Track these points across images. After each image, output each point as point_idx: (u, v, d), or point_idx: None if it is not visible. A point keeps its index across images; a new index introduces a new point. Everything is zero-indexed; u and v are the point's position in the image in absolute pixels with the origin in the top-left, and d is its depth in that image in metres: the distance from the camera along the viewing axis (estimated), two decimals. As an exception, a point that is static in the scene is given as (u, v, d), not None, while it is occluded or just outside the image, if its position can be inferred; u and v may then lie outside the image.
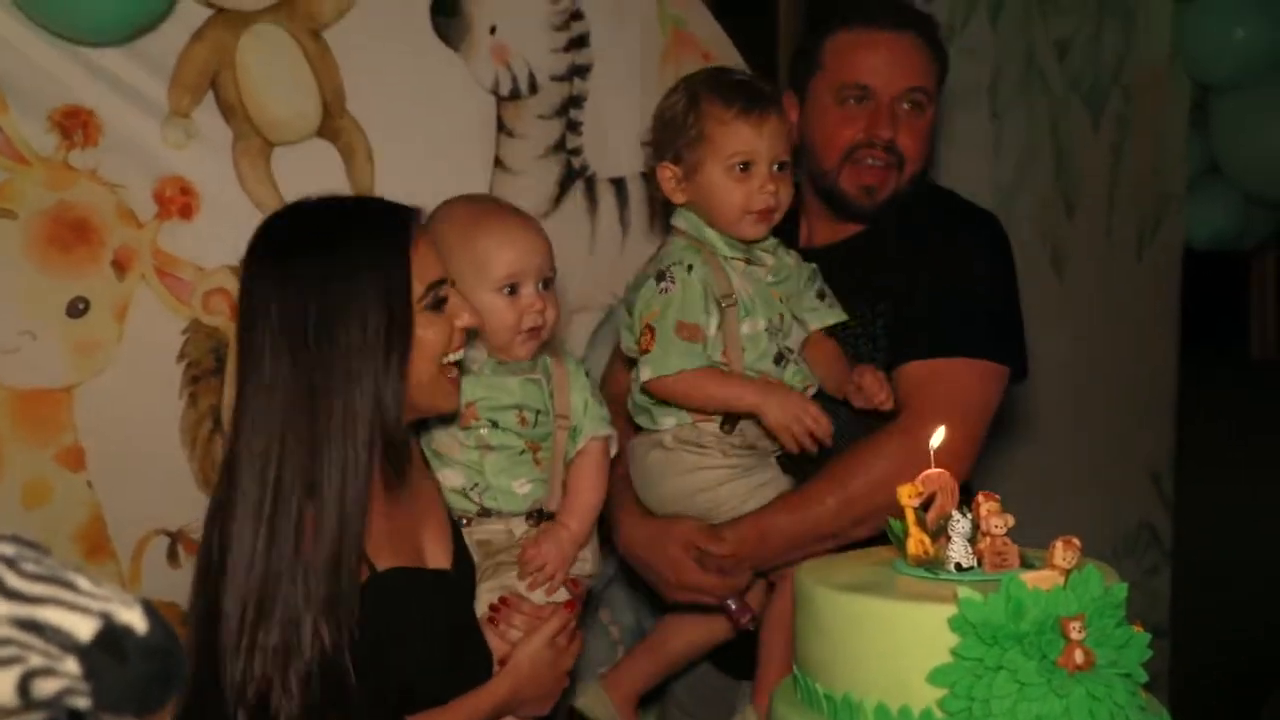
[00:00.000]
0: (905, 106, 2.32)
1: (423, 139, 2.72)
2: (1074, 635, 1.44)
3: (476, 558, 2.05)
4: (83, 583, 0.89)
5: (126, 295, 2.34)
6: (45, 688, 0.87)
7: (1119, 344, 3.85)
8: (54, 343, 2.31)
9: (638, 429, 2.38)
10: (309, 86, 2.57)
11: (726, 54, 3.11)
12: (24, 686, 0.87)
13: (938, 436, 1.76)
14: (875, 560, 1.69)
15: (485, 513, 2.08)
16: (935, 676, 1.47)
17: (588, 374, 2.24)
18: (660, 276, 2.21)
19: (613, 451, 2.21)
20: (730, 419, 2.26)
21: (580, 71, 2.89)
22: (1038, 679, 1.44)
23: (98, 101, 2.36)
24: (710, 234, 2.23)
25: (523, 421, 2.08)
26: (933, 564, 1.59)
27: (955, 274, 2.29)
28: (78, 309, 2.26)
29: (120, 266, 2.33)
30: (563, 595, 2.07)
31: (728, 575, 2.28)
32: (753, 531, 2.27)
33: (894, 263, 2.33)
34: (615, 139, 2.90)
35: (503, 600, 2.03)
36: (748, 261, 2.25)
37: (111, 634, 0.87)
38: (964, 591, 1.46)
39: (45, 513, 2.20)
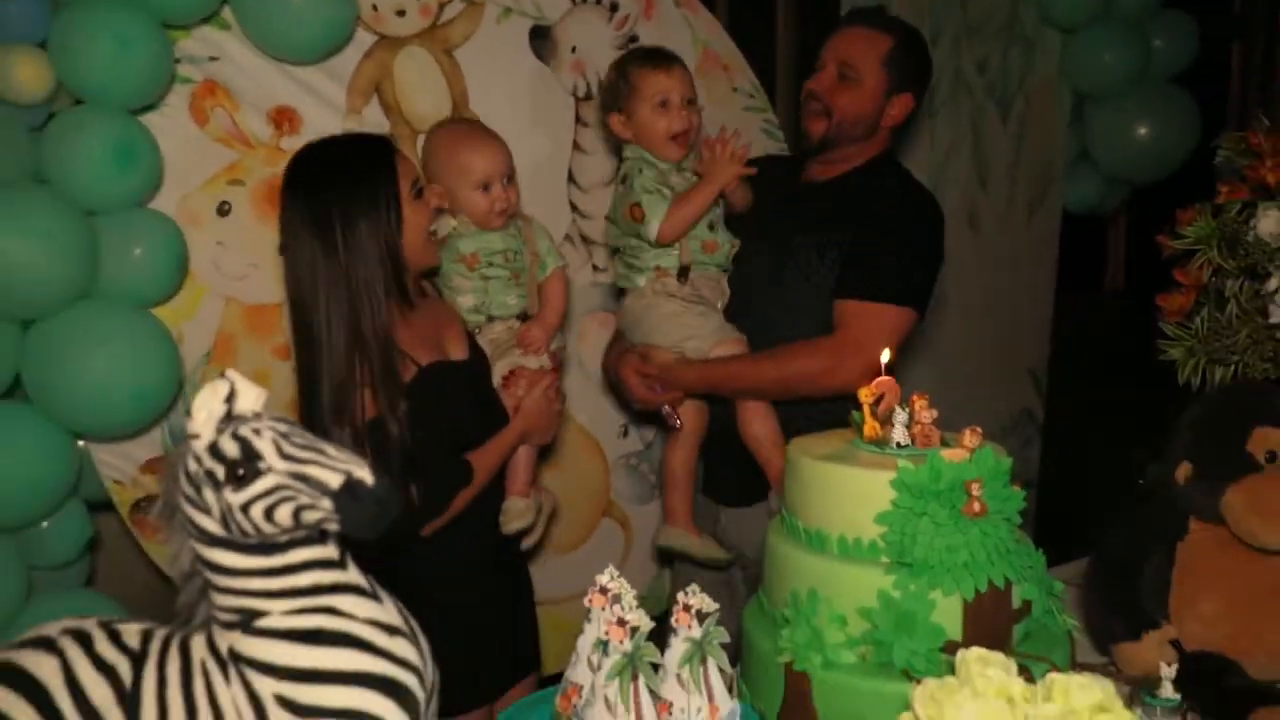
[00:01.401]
0: (835, 74, 2.25)
1: (523, 128, 2.70)
2: (974, 493, 1.45)
3: (488, 350, 2.09)
4: (331, 449, 0.99)
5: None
6: (309, 517, 0.98)
7: (1014, 279, 3.83)
8: (269, 272, 2.36)
9: (620, 293, 2.40)
10: (442, 90, 2.61)
11: (739, 66, 3.07)
12: (296, 515, 0.97)
13: (885, 355, 1.74)
14: (841, 439, 1.66)
15: (491, 319, 2.12)
16: (880, 519, 1.48)
17: (545, 229, 2.25)
18: (624, 179, 2.24)
19: (567, 276, 2.25)
20: (684, 272, 2.26)
21: None
22: (949, 522, 1.44)
23: (299, 102, 2.42)
24: (649, 157, 2.23)
25: (506, 260, 2.11)
26: (881, 442, 1.58)
27: (895, 235, 2.23)
28: (284, 249, 2.31)
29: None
30: (548, 362, 2.13)
31: (661, 391, 2.30)
32: (682, 368, 2.27)
33: (855, 212, 2.25)
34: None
35: (511, 372, 2.09)
36: (678, 170, 2.25)
37: (351, 485, 0.96)
38: (902, 462, 1.48)
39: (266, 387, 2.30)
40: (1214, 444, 1.69)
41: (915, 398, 1.59)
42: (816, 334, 2.21)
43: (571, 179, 2.86)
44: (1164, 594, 1.69)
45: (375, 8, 2.47)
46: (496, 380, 2.09)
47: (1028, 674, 1.23)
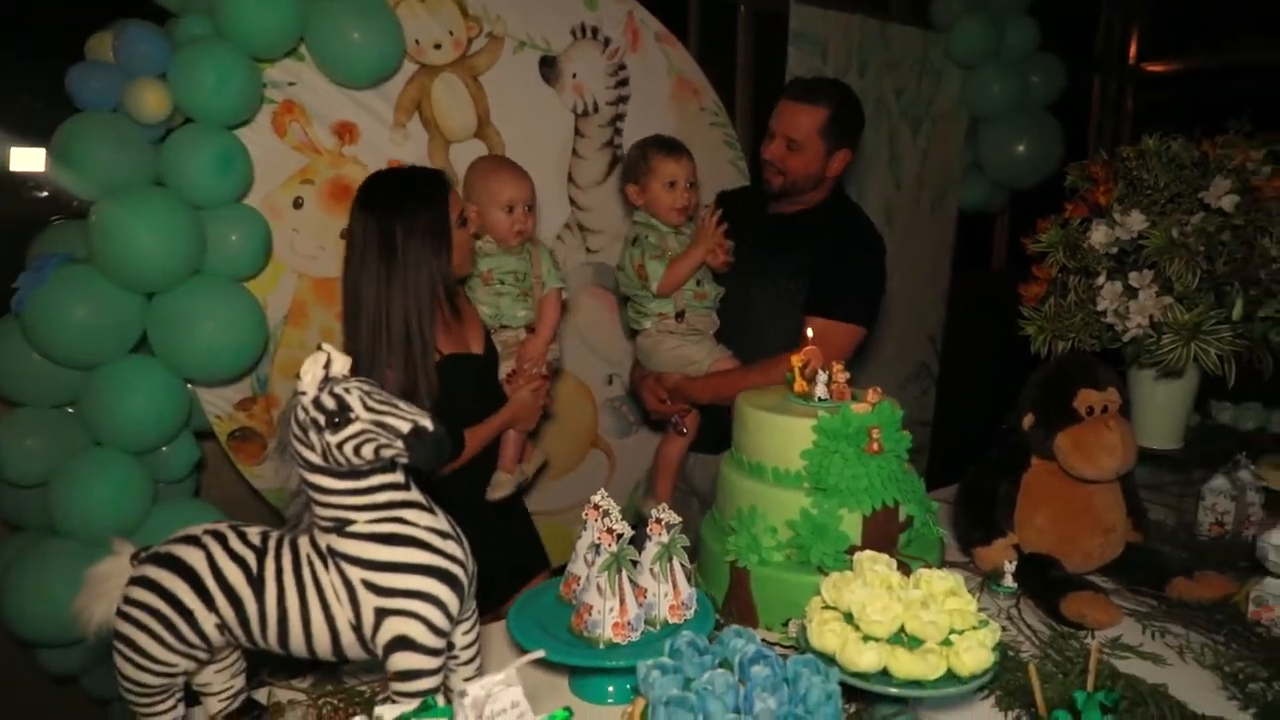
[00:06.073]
0: (784, 145, 2.23)
1: (532, 138, 2.73)
2: (874, 436, 1.50)
3: (499, 349, 2.07)
4: (402, 404, 1.04)
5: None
6: (386, 453, 1.03)
7: (921, 261, 3.87)
8: (334, 253, 2.38)
9: (634, 334, 2.37)
10: (470, 108, 2.62)
11: (706, 89, 3.08)
12: (377, 452, 1.03)
13: (810, 333, 1.80)
14: (777, 394, 1.68)
15: (504, 327, 2.09)
16: (805, 454, 1.52)
17: (551, 253, 2.19)
18: (634, 241, 2.24)
19: (564, 296, 2.18)
20: (680, 315, 2.25)
21: (623, 100, 2.90)
22: (854, 457, 1.49)
23: (357, 118, 2.43)
24: (654, 222, 2.24)
25: (516, 279, 2.08)
26: (806, 396, 1.61)
27: (852, 265, 2.22)
28: (343, 234, 2.27)
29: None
30: (544, 370, 2.11)
31: (671, 403, 2.33)
32: (688, 384, 2.27)
33: (818, 243, 2.24)
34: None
35: (513, 371, 2.08)
36: (677, 233, 2.25)
37: (418, 430, 1.02)
38: (821, 412, 1.52)
39: (334, 344, 2.30)
40: (1051, 400, 1.74)
41: (833, 363, 1.64)
42: (787, 341, 2.14)
43: (571, 179, 2.88)
44: (1010, 511, 1.77)
45: (418, 42, 2.48)
46: (502, 375, 2.09)
47: (907, 569, 1.31)
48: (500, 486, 2.08)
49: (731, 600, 1.56)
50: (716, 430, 2.31)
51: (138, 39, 2.02)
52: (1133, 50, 4.48)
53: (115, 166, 2.02)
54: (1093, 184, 2.01)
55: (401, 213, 1.76)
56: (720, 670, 1.08)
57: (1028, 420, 1.78)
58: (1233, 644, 1.55)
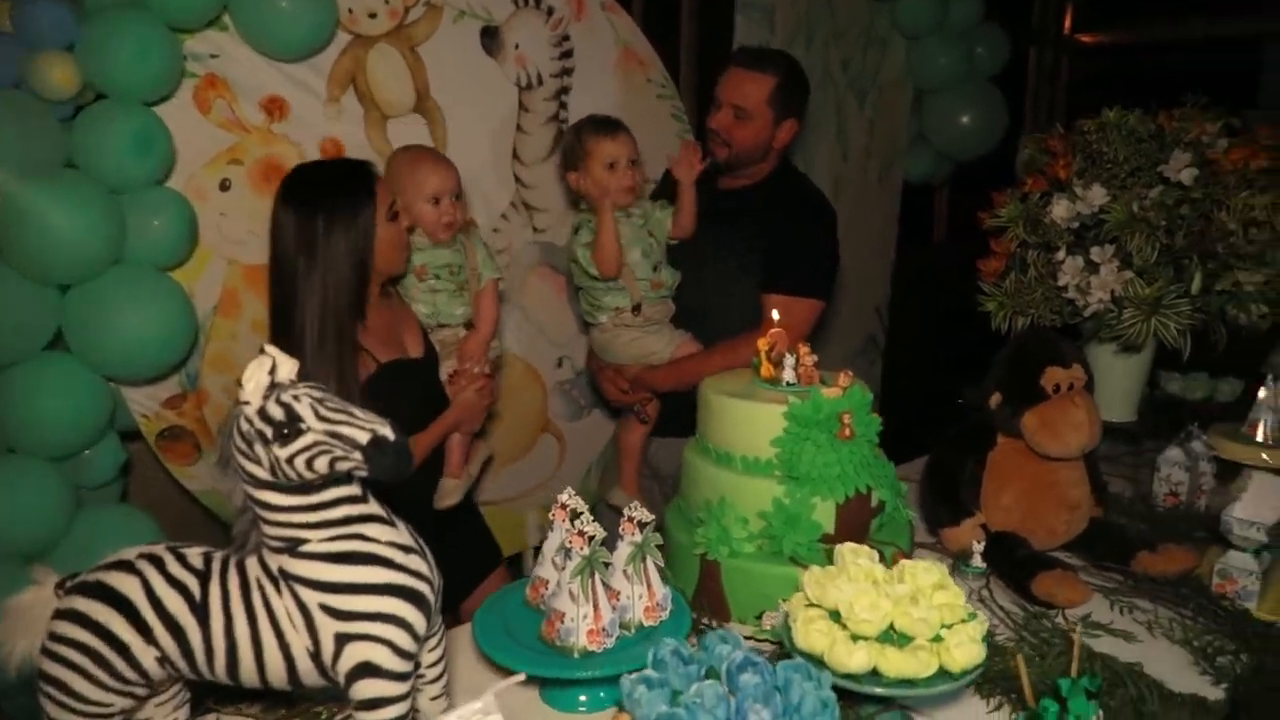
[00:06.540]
0: (731, 114, 2.20)
1: (475, 113, 2.63)
2: (846, 421, 1.48)
3: (439, 349, 2.00)
4: (358, 412, 0.96)
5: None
6: (342, 466, 0.95)
7: (868, 234, 3.85)
8: (265, 236, 2.09)
9: (588, 325, 2.35)
10: (408, 81, 2.50)
11: (652, 60, 2.99)
12: (332, 465, 0.95)
13: (775, 314, 1.80)
14: (743, 379, 1.65)
15: (442, 326, 2.03)
16: (775, 442, 1.49)
17: (485, 244, 2.13)
18: (576, 231, 2.20)
19: (501, 287, 2.13)
20: (636, 308, 2.21)
21: (568, 72, 2.81)
22: (826, 443, 1.47)
23: (287, 92, 2.30)
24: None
25: (452, 273, 2.02)
26: (774, 381, 1.58)
27: (806, 240, 2.19)
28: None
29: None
30: (486, 368, 2.04)
31: (632, 393, 2.30)
32: (650, 374, 2.23)
33: (770, 217, 2.20)
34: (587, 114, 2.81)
35: (455, 372, 2.03)
36: (627, 216, 2.19)
37: (377, 440, 0.94)
38: (792, 398, 1.49)
39: (263, 337, 2.12)
40: (1017, 379, 1.73)
41: (800, 346, 1.60)
42: (746, 320, 2.16)
43: (516, 156, 2.78)
44: (976, 491, 1.76)
45: (351, 11, 2.35)
46: (443, 375, 2.02)
47: (881, 555, 1.28)
48: (449, 494, 2.02)
49: (702, 594, 1.53)
50: (680, 413, 2.23)
51: (40, 8, 1.87)
52: (1068, 22, 4.51)
53: (20, 149, 1.87)
54: (1051, 158, 1.99)
55: (322, 208, 1.68)
56: (709, 682, 1.03)
57: (994, 399, 1.78)
58: (1200, 618, 1.56)
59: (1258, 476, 1.68)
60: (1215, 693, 1.38)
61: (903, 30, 3.66)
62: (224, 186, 2.27)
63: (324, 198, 1.70)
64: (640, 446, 2.39)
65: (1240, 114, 1.95)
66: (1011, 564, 1.66)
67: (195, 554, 1.06)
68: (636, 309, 2.23)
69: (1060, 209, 1.89)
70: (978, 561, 1.70)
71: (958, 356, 1.89)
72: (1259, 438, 2.13)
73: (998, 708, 1.33)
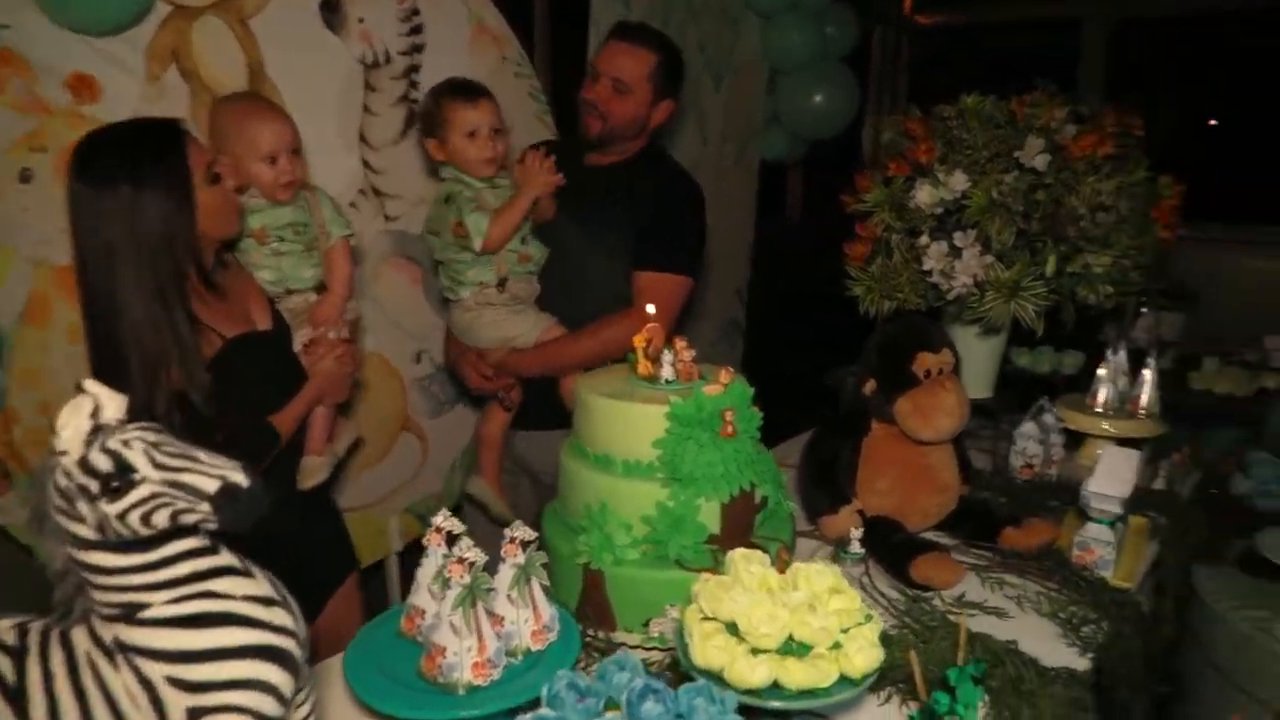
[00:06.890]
0: (610, 87, 2.17)
1: (316, 93, 2.45)
2: (728, 419, 1.45)
3: (289, 319, 1.85)
4: (203, 455, 0.85)
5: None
6: (187, 519, 0.84)
7: (727, 216, 3.86)
8: None
9: (448, 304, 2.24)
10: (239, 58, 2.28)
11: (508, 37, 2.88)
12: (174, 518, 0.84)
13: (651, 309, 1.71)
14: (619, 377, 1.59)
15: (290, 292, 1.87)
16: (656, 444, 1.45)
17: (332, 199, 1.98)
18: (447, 200, 2.10)
19: (353, 243, 1.98)
20: (502, 283, 2.13)
21: (418, 49, 2.66)
22: (709, 442, 1.43)
23: (97, 69, 2.04)
24: (464, 177, 2.10)
25: (296, 233, 1.86)
26: (652, 379, 1.53)
27: (676, 218, 2.18)
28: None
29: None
30: (344, 332, 1.91)
31: (495, 379, 2.24)
32: (516, 357, 2.17)
33: (638, 196, 2.17)
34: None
35: (311, 340, 1.88)
36: (493, 187, 2.13)
37: (227, 489, 0.83)
38: (674, 397, 1.44)
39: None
40: (889, 364, 1.76)
41: (676, 340, 1.56)
42: (613, 300, 2.13)
43: (363, 139, 2.60)
44: (853, 476, 1.78)
45: None
46: (297, 346, 1.86)
47: (767, 552, 1.26)
48: (312, 472, 1.86)
49: (586, 604, 1.47)
50: (545, 404, 2.22)
51: None
52: (908, 3, 4.67)
53: None
54: (912, 141, 2.02)
55: (125, 178, 1.46)
56: (609, 715, 0.97)
57: (869, 386, 1.79)
58: (1064, 590, 1.63)
59: (1109, 450, 1.78)
60: (1083, 663, 1.45)
61: (757, 9, 3.68)
62: (25, 178, 2.00)
63: (126, 166, 1.47)
64: (501, 436, 2.33)
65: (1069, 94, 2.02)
66: (889, 549, 1.69)
67: (5, 627, 0.90)
68: (502, 284, 2.15)
69: (925, 194, 1.92)
70: (856, 548, 1.71)
71: (815, 338, 1.89)
72: (1099, 408, 2.27)
73: (888, 699, 1.34)
